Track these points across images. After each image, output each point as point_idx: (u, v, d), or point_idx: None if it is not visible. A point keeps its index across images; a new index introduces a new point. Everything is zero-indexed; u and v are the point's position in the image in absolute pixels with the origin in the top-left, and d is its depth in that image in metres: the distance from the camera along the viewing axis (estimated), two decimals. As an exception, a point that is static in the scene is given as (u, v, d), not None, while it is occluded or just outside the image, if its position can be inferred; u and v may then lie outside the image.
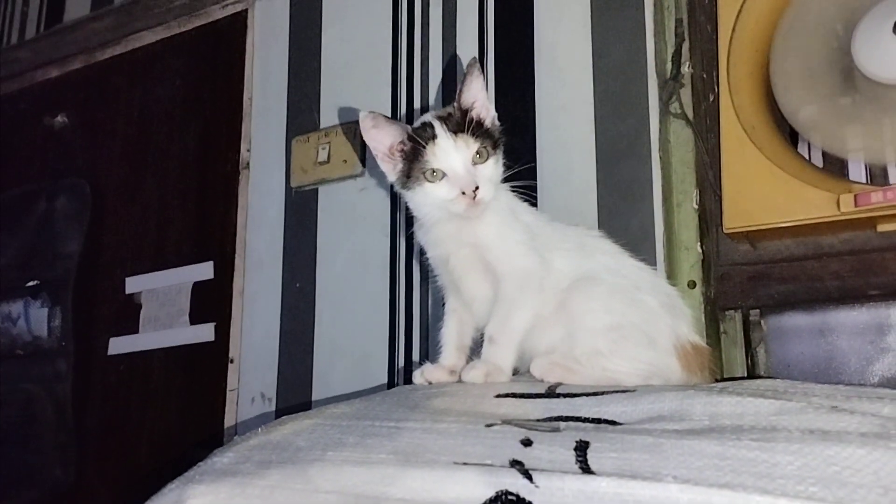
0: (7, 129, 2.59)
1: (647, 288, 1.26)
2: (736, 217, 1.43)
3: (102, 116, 2.43)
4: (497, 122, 1.34)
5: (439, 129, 1.26)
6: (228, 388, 1.97)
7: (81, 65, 2.52)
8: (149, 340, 2.16)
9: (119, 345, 2.21)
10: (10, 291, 2.41)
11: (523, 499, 0.71)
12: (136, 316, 2.19)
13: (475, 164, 1.25)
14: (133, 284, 2.22)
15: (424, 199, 1.27)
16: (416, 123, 1.33)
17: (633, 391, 0.96)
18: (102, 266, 2.30)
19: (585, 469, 0.74)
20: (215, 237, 2.10)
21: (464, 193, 1.22)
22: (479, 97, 1.31)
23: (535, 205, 1.45)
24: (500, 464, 0.76)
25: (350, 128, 1.87)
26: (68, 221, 2.37)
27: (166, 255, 2.19)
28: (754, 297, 1.48)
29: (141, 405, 2.15)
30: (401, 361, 1.75)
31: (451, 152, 1.24)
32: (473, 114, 1.29)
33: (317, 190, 1.93)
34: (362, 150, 1.85)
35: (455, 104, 1.30)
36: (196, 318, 2.09)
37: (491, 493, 0.72)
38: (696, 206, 1.51)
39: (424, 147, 1.25)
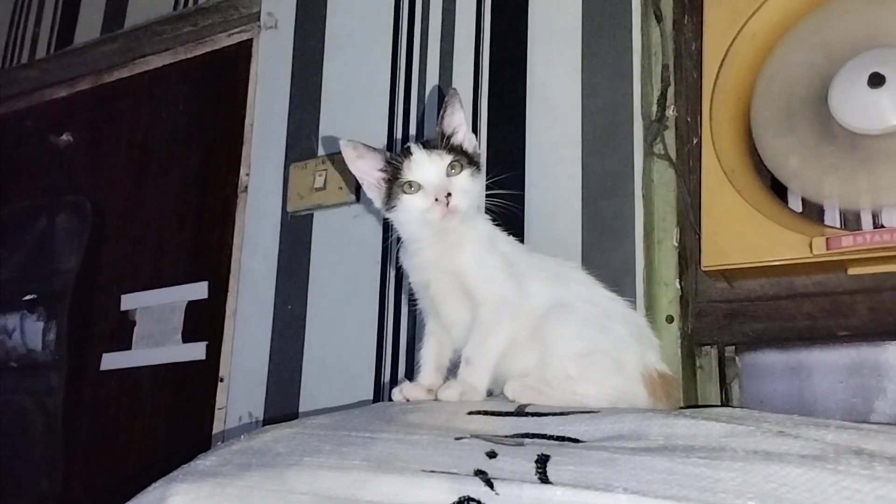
0: (13, 145, 2.65)
1: (617, 317, 1.31)
2: (714, 256, 1.47)
3: (107, 137, 2.49)
4: (478, 150, 1.40)
5: (415, 147, 1.34)
6: (217, 406, 2.00)
7: (89, 86, 2.58)
8: (141, 357, 2.19)
9: (112, 360, 2.24)
10: (7, 304, 2.45)
11: (484, 504, 0.76)
12: (129, 332, 2.23)
13: (449, 175, 1.31)
14: (128, 302, 2.26)
15: (404, 213, 1.33)
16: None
17: (597, 412, 1.01)
18: (99, 282, 2.34)
19: (544, 479, 0.78)
20: (211, 258, 2.15)
21: (437, 200, 1.28)
22: (462, 126, 1.38)
23: (521, 235, 1.50)
24: (465, 472, 0.81)
25: (347, 156, 1.92)
26: (68, 238, 2.42)
27: (162, 274, 2.24)
28: (730, 334, 1.51)
29: (130, 421, 2.18)
30: (387, 386, 1.78)
31: (425, 164, 1.31)
32: (454, 140, 1.36)
33: (312, 215, 1.97)
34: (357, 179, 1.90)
35: (437, 129, 1.37)
36: (188, 336, 2.13)
37: (454, 499, 0.76)
38: (676, 244, 1.56)
39: (402, 165, 1.32)
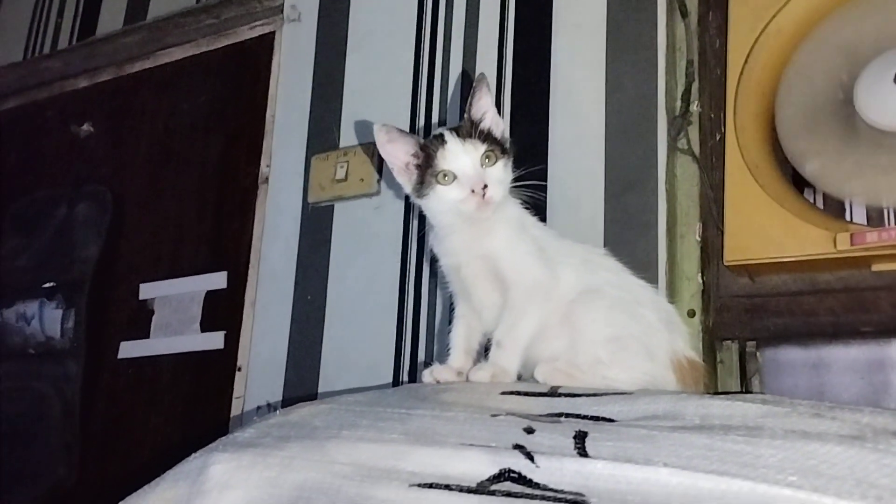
0: (35, 135, 2.67)
1: (647, 303, 1.32)
2: (736, 250, 1.47)
3: (127, 127, 2.50)
4: (507, 135, 1.40)
5: (449, 135, 1.33)
6: (235, 395, 2.00)
7: (111, 77, 2.59)
8: (159, 346, 2.20)
9: (129, 349, 2.25)
10: (27, 292, 2.46)
11: (525, 476, 0.76)
12: (148, 321, 2.24)
13: (484, 166, 1.31)
14: (147, 291, 2.27)
15: (438, 203, 1.32)
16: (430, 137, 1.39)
17: (631, 393, 1.02)
18: (118, 271, 2.35)
19: (583, 453, 0.79)
20: (230, 248, 2.16)
21: (473, 192, 1.28)
22: (489, 111, 1.37)
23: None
24: (504, 446, 0.82)
25: (368, 148, 1.93)
26: (88, 226, 2.43)
27: (181, 264, 2.25)
28: (751, 329, 1.52)
29: (147, 409, 2.19)
30: (406, 376, 1.79)
31: (460, 154, 1.30)
32: (483, 125, 1.35)
33: (333, 206, 1.98)
34: (379, 170, 1.91)
35: (466, 116, 1.37)
36: (207, 325, 2.14)
37: (495, 471, 0.77)
38: (699, 239, 1.57)
39: (435, 153, 1.31)
